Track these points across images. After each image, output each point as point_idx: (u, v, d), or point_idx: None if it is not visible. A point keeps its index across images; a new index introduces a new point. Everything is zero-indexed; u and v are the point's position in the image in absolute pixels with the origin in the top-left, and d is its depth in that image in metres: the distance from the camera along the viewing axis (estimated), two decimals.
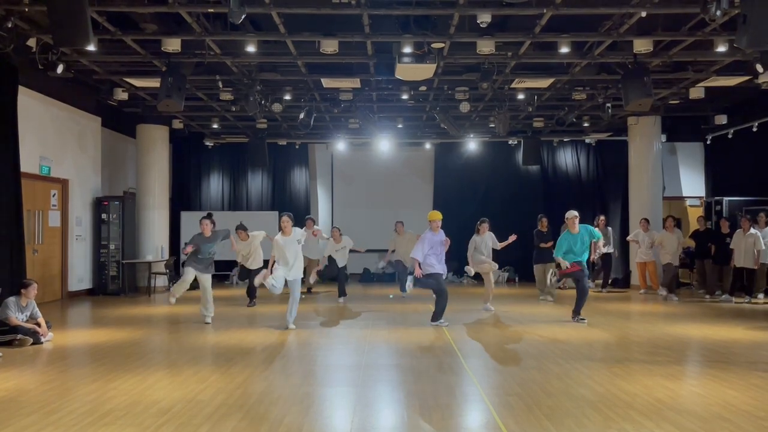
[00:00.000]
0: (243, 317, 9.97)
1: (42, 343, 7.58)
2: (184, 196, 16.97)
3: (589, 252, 9.29)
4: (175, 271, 14.38)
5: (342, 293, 12.04)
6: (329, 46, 9.05)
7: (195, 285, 9.36)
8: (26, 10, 8.05)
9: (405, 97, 11.99)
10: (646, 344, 7.57)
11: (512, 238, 10.54)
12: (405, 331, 8.47)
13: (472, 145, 16.57)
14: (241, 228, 10.91)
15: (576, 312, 9.23)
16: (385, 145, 16.16)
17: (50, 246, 11.79)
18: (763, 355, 6.91)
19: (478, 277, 10.70)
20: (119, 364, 6.47)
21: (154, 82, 11.04)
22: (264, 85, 11.42)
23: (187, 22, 8.53)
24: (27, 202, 10.34)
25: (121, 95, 12.09)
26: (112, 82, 11.79)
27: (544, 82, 11.47)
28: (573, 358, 6.62)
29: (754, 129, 13.28)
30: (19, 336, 7.44)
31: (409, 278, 9.10)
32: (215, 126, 15.23)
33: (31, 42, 8.90)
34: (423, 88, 11.71)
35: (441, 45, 9.26)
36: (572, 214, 9.22)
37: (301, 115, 12.44)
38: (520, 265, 15.65)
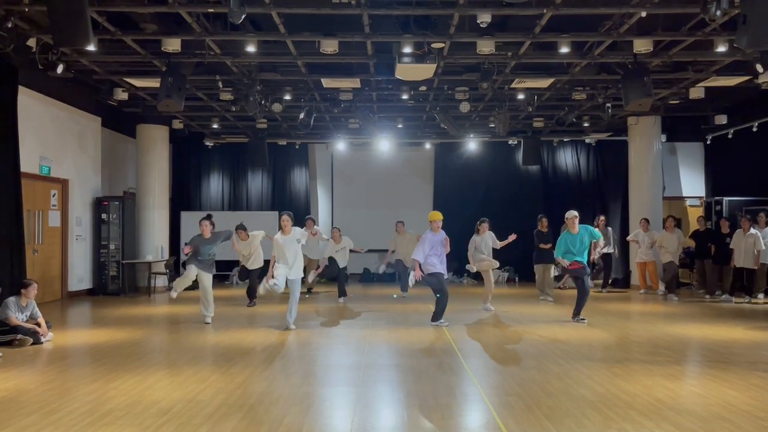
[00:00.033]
0: (243, 317, 9.97)
1: (42, 343, 7.58)
2: (184, 196, 16.97)
3: (589, 252, 9.29)
4: (175, 270, 14.38)
5: (342, 293, 12.04)
6: (329, 46, 9.05)
7: (195, 285, 9.37)
8: (26, 10, 8.05)
9: (405, 97, 11.99)
10: (646, 344, 7.57)
11: (512, 237, 10.55)
12: (405, 331, 8.47)
13: (472, 145, 16.57)
14: (241, 228, 10.91)
15: (576, 312, 9.24)
16: (385, 145, 16.16)
17: (50, 246, 11.79)
18: (763, 355, 6.91)
19: (478, 277, 10.71)
20: (119, 364, 6.47)
21: (154, 82, 11.04)
22: (264, 85, 11.42)
23: (187, 22, 8.54)
24: (27, 202, 10.34)
25: (121, 95, 12.09)
26: (112, 82, 11.79)
27: (544, 82, 11.47)
28: (573, 358, 6.62)
29: (754, 129, 13.28)
30: (19, 336, 7.44)
31: (411, 274, 9.09)
32: (215, 126, 15.24)
33: (31, 42, 8.90)
34: (423, 88, 11.71)
35: (441, 45, 9.26)
36: (572, 214, 9.23)
37: (301, 115, 12.44)
38: (520, 265, 15.66)
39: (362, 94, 12.35)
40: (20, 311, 7.66)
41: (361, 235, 14.16)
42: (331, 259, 12.05)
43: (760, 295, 11.77)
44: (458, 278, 15.93)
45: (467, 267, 10.31)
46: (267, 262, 10.01)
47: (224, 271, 15.31)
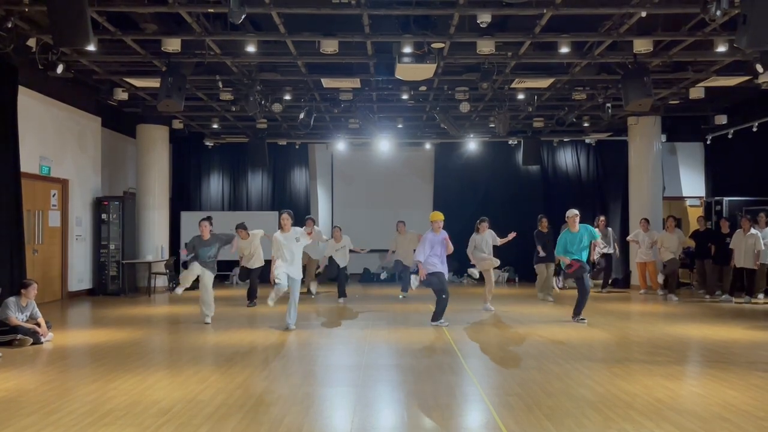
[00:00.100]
0: (243, 317, 9.97)
1: (42, 343, 7.58)
2: (184, 196, 16.96)
3: (589, 252, 9.29)
4: (175, 271, 14.38)
5: (342, 294, 12.04)
6: (329, 46, 9.05)
7: (196, 285, 9.37)
8: (26, 10, 8.04)
9: (405, 97, 11.98)
10: (646, 344, 7.57)
11: (512, 234, 10.56)
12: (405, 332, 8.47)
13: (472, 145, 16.57)
14: (242, 227, 10.95)
15: (576, 312, 9.24)
16: (385, 145, 16.16)
17: (50, 246, 11.79)
18: (762, 355, 6.91)
19: (481, 277, 10.70)
20: (119, 364, 6.47)
21: (154, 82, 11.04)
22: (264, 85, 11.42)
23: (187, 22, 8.53)
24: (27, 202, 10.34)
25: (121, 95, 12.09)
26: (112, 82, 11.79)
27: (544, 82, 11.47)
28: (573, 359, 6.63)
29: (754, 129, 13.28)
30: (19, 336, 7.44)
31: (413, 277, 9.10)
32: (215, 126, 15.24)
33: (31, 42, 8.90)
34: (423, 88, 11.71)
35: (441, 45, 9.26)
36: (572, 212, 9.26)
37: (301, 115, 12.44)
38: (521, 265, 15.66)
39: (362, 94, 12.35)
40: (20, 311, 7.66)
41: (361, 235, 14.17)
42: (331, 260, 12.05)
43: (760, 295, 11.76)
44: (458, 278, 15.92)
45: (470, 272, 10.30)
46: (267, 262, 10.05)
47: (224, 271, 15.31)
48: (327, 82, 11.44)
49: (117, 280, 13.16)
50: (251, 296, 11.19)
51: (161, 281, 13.89)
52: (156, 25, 8.84)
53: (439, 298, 8.89)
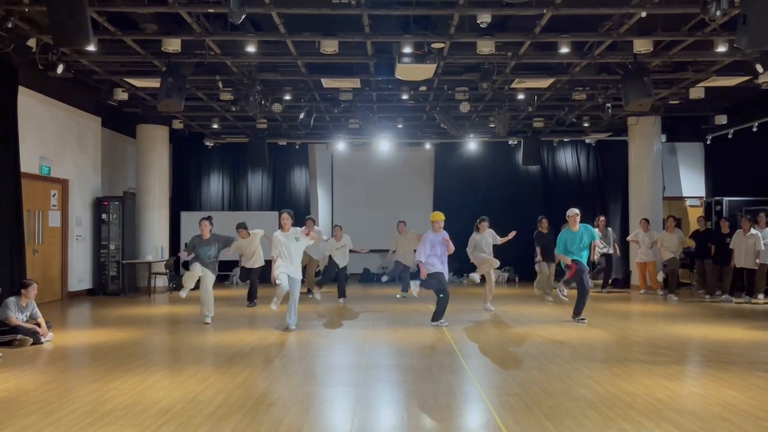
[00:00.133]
0: (243, 317, 9.97)
1: (42, 343, 7.58)
2: (184, 196, 16.97)
3: (589, 252, 9.30)
4: (175, 271, 14.38)
5: (342, 294, 12.04)
6: (329, 46, 9.05)
7: (197, 285, 9.36)
8: (26, 10, 8.05)
9: (405, 97, 11.98)
10: (646, 344, 7.57)
11: (512, 234, 10.56)
12: (405, 332, 8.47)
13: (472, 145, 16.57)
14: (242, 227, 10.98)
15: (576, 312, 9.24)
16: (385, 145, 16.16)
17: (50, 246, 11.79)
18: (762, 355, 6.91)
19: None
20: (119, 364, 6.47)
21: (154, 82, 11.04)
22: (264, 85, 11.42)
23: (187, 22, 8.54)
24: (27, 202, 10.35)
25: (121, 95, 12.09)
26: (112, 82, 11.79)
27: (544, 82, 11.47)
28: (573, 359, 6.63)
29: (754, 129, 13.28)
30: (19, 336, 7.44)
31: (413, 283, 9.10)
32: (215, 126, 15.24)
33: (31, 42, 8.90)
34: (423, 88, 11.71)
35: (441, 45, 9.26)
36: (573, 211, 9.27)
37: (301, 115, 12.44)
38: (521, 265, 15.66)
39: (362, 94, 12.35)
40: (20, 311, 7.66)
41: (361, 235, 14.17)
42: (330, 261, 12.01)
43: (760, 295, 11.76)
44: (458, 278, 15.92)
45: (471, 277, 10.30)
46: (268, 262, 10.07)
47: (224, 271, 15.31)
48: (327, 82, 11.44)
49: (117, 280, 13.16)
50: (251, 296, 11.20)
51: (161, 281, 13.89)
52: (156, 25, 8.84)
53: (439, 298, 8.89)
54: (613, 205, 16.31)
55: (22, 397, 5.19)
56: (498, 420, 4.53)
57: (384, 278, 13.01)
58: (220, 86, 11.24)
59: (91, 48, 8.66)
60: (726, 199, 14.02)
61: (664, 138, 14.86)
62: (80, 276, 12.77)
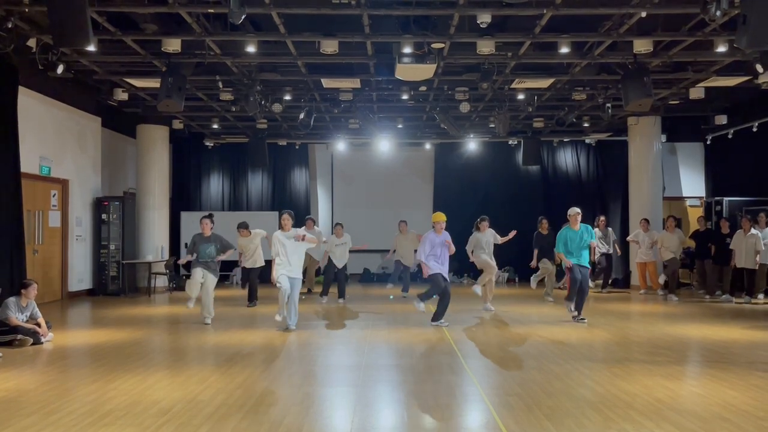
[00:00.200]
0: (243, 317, 9.97)
1: (42, 343, 7.58)
2: (184, 196, 16.97)
3: (589, 252, 9.30)
4: (175, 271, 14.38)
5: (342, 294, 12.03)
6: (329, 46, 9.05)
7: None
8: (26, 10, 8.05)
9: (405, 97, 11.98)
10: (646, 344, 7.57)
11: (512, 233, 10.55)
12: (405, 332, 8.47)
13: (472, 145, 16.57)
14: (243, 227, 11.03)
15: (576, 311, 9.23)
16: (385, 145, 16.16)
17: (50, 246, 11.79)
18: (762, 355, 6.91)
19: (479, 276, 10.71)
20: (119, 364, 6.47)
21: (154, 82, 11.04)
22: (264, 85, 11.42)
23: (187, 23, 8.54)
24: (27, 202, 10.35)
25: (121, 95, 12.09)
26: (112, 82, 11.80)
27: (544, 83, 11.47)
28: (573, 359, 6.63)
29: (754, 129, 13.28)
30: (19, 336, 7.44)
31: (416, 304, 9.06)
32: (215, 126, 15.24)
33: (31, 42, 8.90)
34: (423, 88, 11.71)
35: (441, 45, 9.26)
36: (575, 210, 9.26)
37: (301, 115, 12.44)
38: (521, 265, 15.64)
39: (362, 94, 12.35)
40: (20, 311, 7.66)
41: (361, 235, 14.14)
42: (330, 262, 11.95)
43: (760, 295, 11.76)
44: (458, 278, 15.92)
45: (474, 290, 10.33)
46: (268, 262, 10.08)
47: (224, 271, 15.31)
48: (327, 82, 11.44)
49: (117, 281, 13.16)
50: (251, 297, 11.20)
51: (161, 281, 13.89)
52: (156, 25, 8.84)
53: (440, 298, 8.89)
54: (613, 205, 16.31)
55: (22, 397, 5.19)
56: (498, 420, 4.53)
57: (388, 286, 12.89)
58: (220, 86, 11.24)
59: (91, 48, 8.66)
60: (726, 199, 14.02)
61: (664, 138, 14.86)
62: (80, 276, 12.77)
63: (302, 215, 13.90)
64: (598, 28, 8.97)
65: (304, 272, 10.81)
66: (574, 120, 13.99)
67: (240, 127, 15.63)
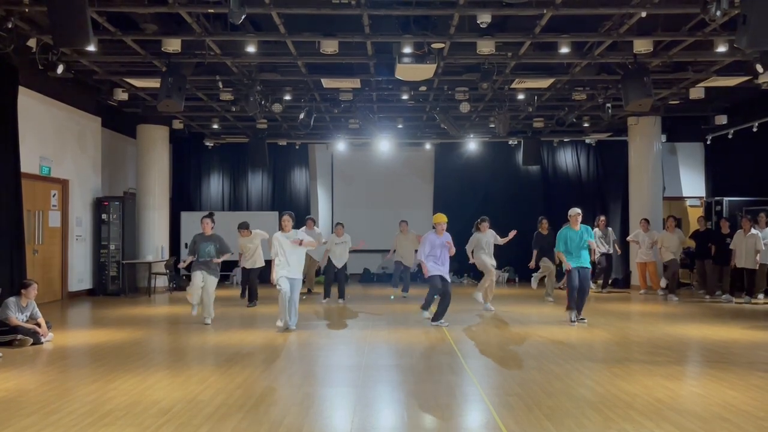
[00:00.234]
0: (243, 317, 9.97)
1: (42, 343, 7.59)
2: (184, 196, 16.97)
3: (589, 253, 9.29)
4: (175, 271, 14.38)
5: (341, 295, 12.03)
6: (329, 46, 9.05)
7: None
8: (26, 10, 8.05)
9: (405, 97, 11.99)
10: (646, 344, 7.57)
11: (512, 233, 10.55)
12: (405, 332, 8.47)
13: (472, 145, 16.57)
14: (244, 227, 11.06)
15: (577, 312, 9.23)
16: (385, 145, 16.16)
17: (50, 246, 11.79)
18: (762, 355, 6.91)
19: (479, 277, 10.72)
20: (119, 364, 6.47)
21: (154, 83, 11.05)
22: (264, 85, 11.42)
23: (187, 23, 8.54)
24: (27, 202, 10.35)
25: (121, 95, 12.09)
26: (112, 82, 11.80)
27: (544, 83, 11.47)
28: (573, 359, 6.63)
29: (754, 129, 13.28)
30: (19, 336, 7.44)
31: (424, 318, 9.07)
32: (215, 126, 15.24)
33: (31, 42, 8.90)
34: (423, 88, 11.71)
35: (441, 45, 9.26)
36: (575, 211, 9.25)
37: (301, 116, 12.44)
38: (520, 265, 15.63)
39: (362, 94, 12.35)
40: (20, 311, 7.66)
41: (361, 235, 14.09)
42: (329, 263, 11.94)
43: (760, 295, 11.76)
44: (458, 278, 15.92)
45: (475, 296, 10.37)
46: (268, 263, 10.08)
47: (224, 271, 15.30)
48: (327, 83, 11.44)
49: (117, 281, 13.17)
50: (251, 297, 11.20)
51: (161, 281, 13.89)
52: (156, 25, 8.84)
53: (440, 299, 8.89)
54: (613, 205, 16.31)
55: (22, 397, 5.19)
56: (498, 420, 4.53)
57: (392, 296, 12.81)
58: (220, 86, 11.24)
59: (91, 48, 8.66)
60: (726, 199, 14.02)
61: (664, 138, 14.86)
62: (80, 276, 12.77)
63: (302, 215, 13.90)
64: (598, 28, 8.97)
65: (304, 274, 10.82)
66: (574, 120, 13.99)
67: (240, 127, 15.63)
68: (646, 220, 13.40)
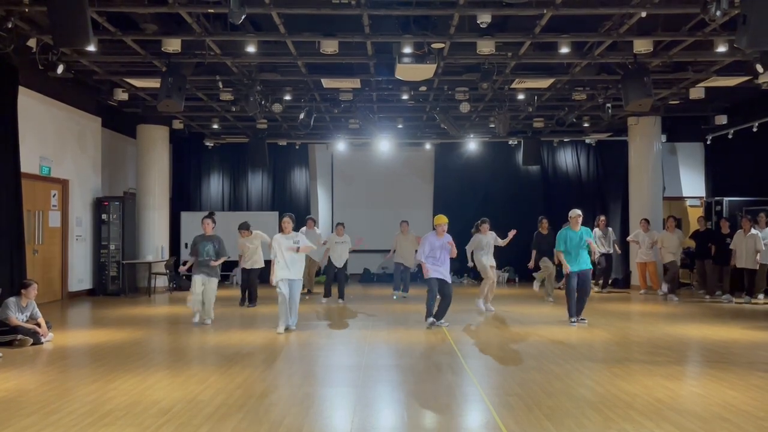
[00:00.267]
0: (243, 318, 9.97)
1: (42, 343, 7.58)
2: (184, 196, 16.96)
3: (589, 253, 9.29)
4: (175, 271, 14.38)
5: (341, 295, 12.02)
6: (329, 46, 9.05)
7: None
8: (26, 10, 8.05)
9: (405, 97, 11.99)
10: (646, 344, 7.57)
11: (512, 233, 10.54)
12: (405, 332, 8.47)
13: (472, 145, 16.57)
14: (244, 227, 11.07)
15: (577, 312, 9.23)
16: (385, 145, 16.16)
17: (50, 246, 11.79)
18: (762, 355, 6.91)
19: (479, 277, 10.72)
20: (119, 364, 6.47)
21: (154, 83, 11.05)
22: (264, 85, 11.42)
23: (187, 23, 8.54)
24: (27, 202, 10.35)
25: (121, 95, 12.09)
26: (112, 82, 11.79)
27: (544, 83, 11.47)
28: (573, 359, 6.63)
29: (754, 129, 13.28)
30: (20, 336, 7.44)
31: (429, 320, 9.02)
32: (215, 126, 15.24)
33: (31, 42, 8.90)
34: (423, 88, 11.71)
35: (441, 45, 9.26)
36: (576, 212, 9.24)
37: (301, 116, 12.44)
38: (520, 265, 15.63)
39: (362, 95, 12.35)
40: (20, 311, 7.66)
41: (361, 236, 14.17)
42: (329, 263, 11.94)
43: (760, 295, 11.76)
44: (458, 278, 15.92)
45: (477, 303, 10.35)
46: (268, 263, 10.08)
47: (224, 271, 15.30)
48: (327, 83, 11.44)
49: (117, 281, 13.17)
50: (252, 298, 11.21)
51: (161, 281, 13.89)
52: (156, 25, 8.84)
53: (441, 300, 8.88)
54: (613, 205, 16.31)
55: (22, 397, 5.19)
56: (498, 420, 4.53)
57: (395, 296, 12.78)
58: (220, 86, 11.24)
59: (91, 48, 8.67)
60: (726, 199, 14.02)
61: (664, 138, 14.86)
62: (80, 276, 12.77)
63: (302, 215, 13.91)
64: (598, 28, 8.97)
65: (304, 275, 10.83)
66: (574, 120, 13.99)
67: (240, 127, 15.63)
68: (646, 220, 13.40)
